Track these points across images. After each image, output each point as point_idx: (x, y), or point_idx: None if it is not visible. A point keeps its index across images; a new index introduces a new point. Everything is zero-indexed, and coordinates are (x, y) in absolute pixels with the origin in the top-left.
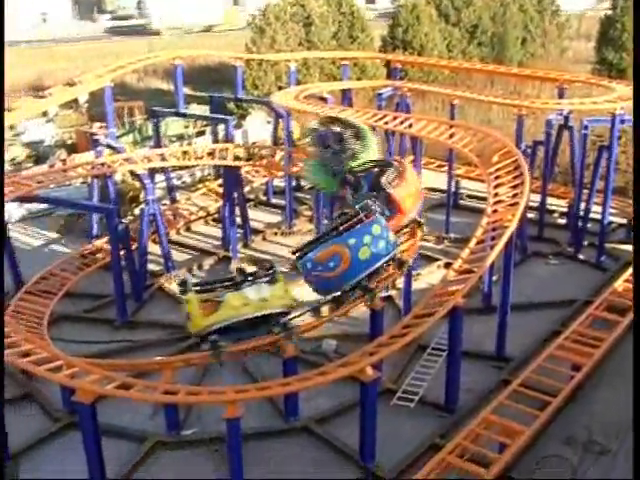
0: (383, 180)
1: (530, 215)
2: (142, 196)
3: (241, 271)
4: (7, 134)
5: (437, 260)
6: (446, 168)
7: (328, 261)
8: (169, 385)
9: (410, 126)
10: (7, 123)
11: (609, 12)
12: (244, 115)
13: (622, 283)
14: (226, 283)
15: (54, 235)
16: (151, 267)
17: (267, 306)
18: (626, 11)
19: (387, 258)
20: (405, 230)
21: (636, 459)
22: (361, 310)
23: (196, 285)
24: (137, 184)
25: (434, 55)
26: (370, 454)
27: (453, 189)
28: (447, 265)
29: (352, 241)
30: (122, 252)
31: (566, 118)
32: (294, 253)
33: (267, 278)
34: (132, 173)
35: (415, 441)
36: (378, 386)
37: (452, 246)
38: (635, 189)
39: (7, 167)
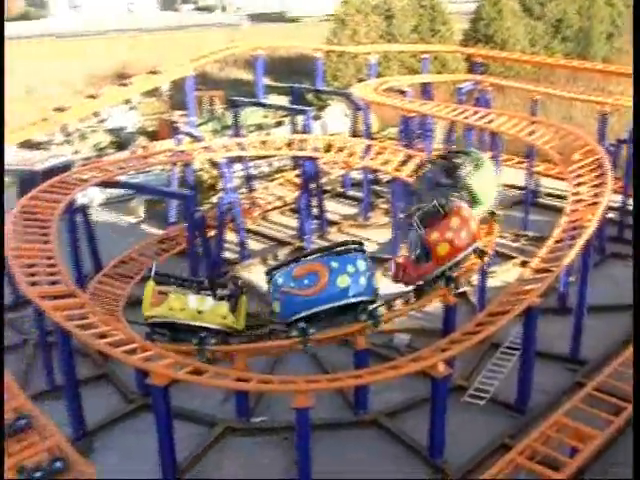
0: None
1: (610, 215)
2: (220, 184)
3: (234, 279)
4: (91, 121)
5: (513, 258)
6: (525, 165)
7: (304, 277)
8: (241, 372)
9: (490, 121)
10: (92, 110)
11: None
12: (323, 107)
13: None
14: (185, 283)
15: (134, 220)
16: (227, 255)
17: (199, 318)
18: None
19: (363, 299)
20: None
21: (636, 459)
22: (435, 305)
23: (159, 275)
24: (215, 172)
25: (516, 50)
26: (439, 450)
27: (532, 187)
28: (523, 263)
29: (335, 264)
30: (199, 239)
31: None
32: (267, 273)
33: (220, 294)
34: (211, 161)
35: (484, 440)
36: (449, 382)
37: (529, 244)
38: (635, 191)
39: (91, 153)
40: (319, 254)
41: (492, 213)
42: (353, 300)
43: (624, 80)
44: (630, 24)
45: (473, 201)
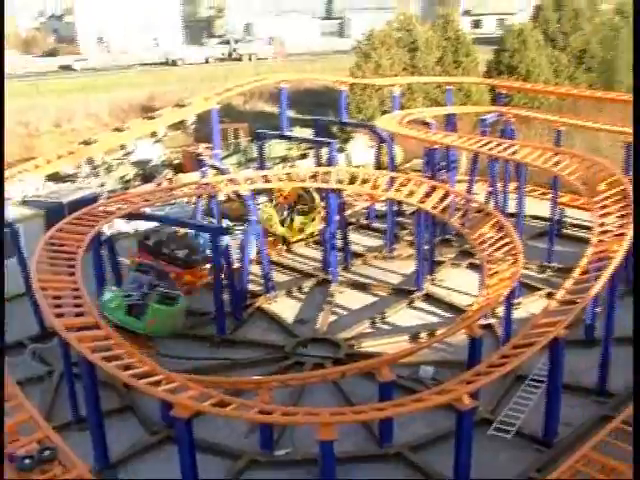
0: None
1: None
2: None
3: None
4: (118, 153)
5: (539, 289)
6: (550, 196)
7: None
8: (265, 404)
9: (514, 152)
10: (118, 143)
11: None
12: (347, 139)
13: None
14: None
15: None
16: (251, 287)
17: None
18: None
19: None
20: None
21: (636, 458)
22: (460, 337)
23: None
24: (241, 205)
25: (540, 80)
26: None
27: (557, 217)
28: (549, 295)
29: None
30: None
31: None
32: None
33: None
34: (236, 194)
35: (511, 474)
36: (474, 415)
37: (554, 275)
38: (635, 193)
39: (116, 185)
40: None
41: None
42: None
43: None
44: None
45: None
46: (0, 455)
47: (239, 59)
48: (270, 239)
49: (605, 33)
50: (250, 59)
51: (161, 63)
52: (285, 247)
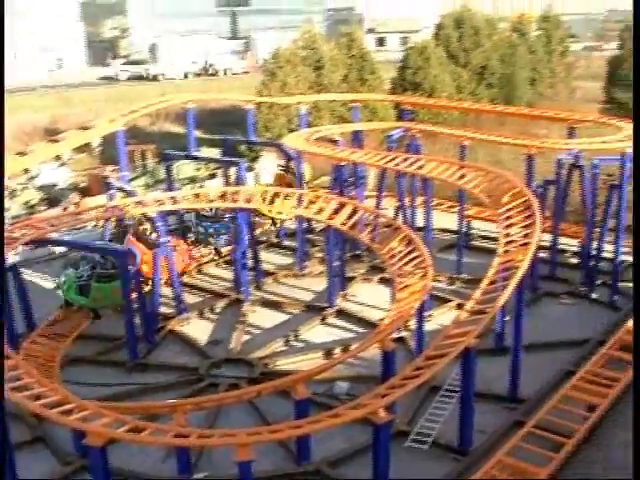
0: None
1: (542, 255)
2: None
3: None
4: (21, 178)
5: (449, 301)
6: (457, 209)
7: None
8: (180, 428)
9: (421, 167)
10: (21, 167)
11: (617, 52)
12: (255, 158)
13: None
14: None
15: None
16: (163, 309)
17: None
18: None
19: None
20: None
21: (636, 458)
22: (373, 352)
23: None
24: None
25: (444, 96)
26: None
27: (464, 230)
28: (459, 306)
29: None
30: (134, 294)
31: (576, 157)
32: None
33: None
34: (144, 216)
35: None
36: (391, 428)
37: (464, 287)
38: (635, 197)
39: (21, 210)
40: None
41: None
42: None
43: (548, 123)
44: (550, 70)
45: None
46: (1, 456)
47: (214, 74)
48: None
49: (504, 50)
50: (225, 73)
51: (66, 85)
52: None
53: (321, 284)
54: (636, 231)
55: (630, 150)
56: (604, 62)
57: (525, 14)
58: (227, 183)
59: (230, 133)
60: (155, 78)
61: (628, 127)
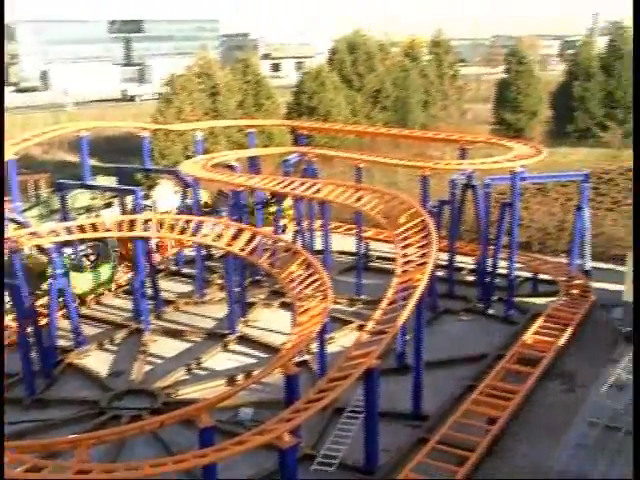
0: None
1: (440, 273)
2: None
3: None
4: None
5: (350, 322)
6: (355, 231)
7: None
8: (83, 464)
9: (318, 191)
10: None
11: (504, 75)
12: (152, 185)
13: (531, 335)
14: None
15: None
16: (61, 342)
17: None
18: (519, 75)
19: None
20: None
21: (636, 459)
22: (276, 377)
23: None
24: (45, 259)
25: (339, 120)
26: None
27: (363, 251)
28: (360, 327)
29: None
30: (30, 328)
31: (469, 177)
32: None
33: None
34: (39, 248)
35: None
36: (297, 452)
37: (364, 308)
38: (635, 200)
39: None
40: None
41: None
42: None
43: (441, 145)
44: (441, 93)
45: None
46: (0, 458)
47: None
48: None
49: (397, 74)
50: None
51: None
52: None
53: (222, 311)
54: (636, 231)
55: (520, 169)
56: (492, 85)
57: (416, 39)
58: (124, 212)
59: (126, 161)
60: (48, 105)
61: (517, 147)
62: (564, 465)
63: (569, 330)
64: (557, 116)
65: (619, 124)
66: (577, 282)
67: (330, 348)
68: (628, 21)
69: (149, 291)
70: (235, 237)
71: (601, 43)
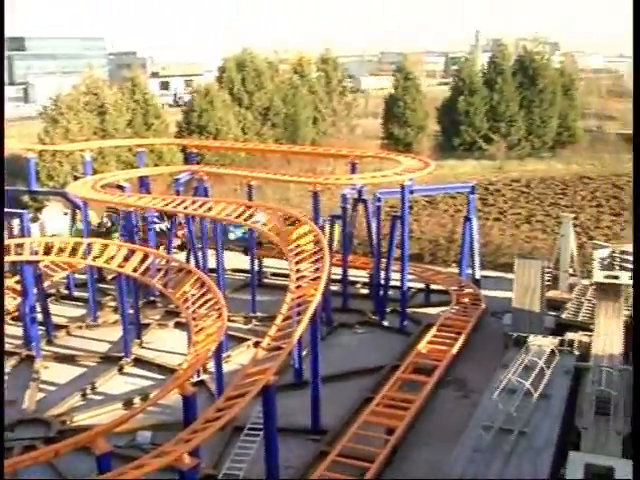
0: None
1: (334, 288)
2: None
3: None
4: None
5: (246, 340)
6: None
7: None
8: None
9: (209, 209)
10: None
11: (392, 91)
12: (40, 207)
13: (425, 345)
14: None
15: None
16: None
17: None
18: (407, 90)
19: None
20: None
21: (636, 459)
22: (174, 398)
23: None
24: None
25: (230, 138)
26: None
27: (256, 269)
28: (256, 344)
29: None
30: None
31: (360, 192)
32: None
33: None
34: None
35: None
36: (197, 473)
37: (260, 325)
38: (635, 203)
39: None
40: None
41: None
42: None
43: (332, 160)
44: (331, 109)
45: None
46: (0, 455)
47: None
48: None
49: (286, 91)
50: None
51: None
52: None
53: (116, 333)
54: (636, 231)
55: (409, 182)
56: (381, 101)
57: (304, 57)
58: (10, 235)
59: (11, 183)
60: None
61: (405, 161)
62: (461, 468)
63: (462, 338)
64: (444, 130)
65: (503, 137)
66: (468, 291)
67: (227, 366)
68: (507, 39)
69: (39, 316)
70: (127, 258)
71: (484, 59)
